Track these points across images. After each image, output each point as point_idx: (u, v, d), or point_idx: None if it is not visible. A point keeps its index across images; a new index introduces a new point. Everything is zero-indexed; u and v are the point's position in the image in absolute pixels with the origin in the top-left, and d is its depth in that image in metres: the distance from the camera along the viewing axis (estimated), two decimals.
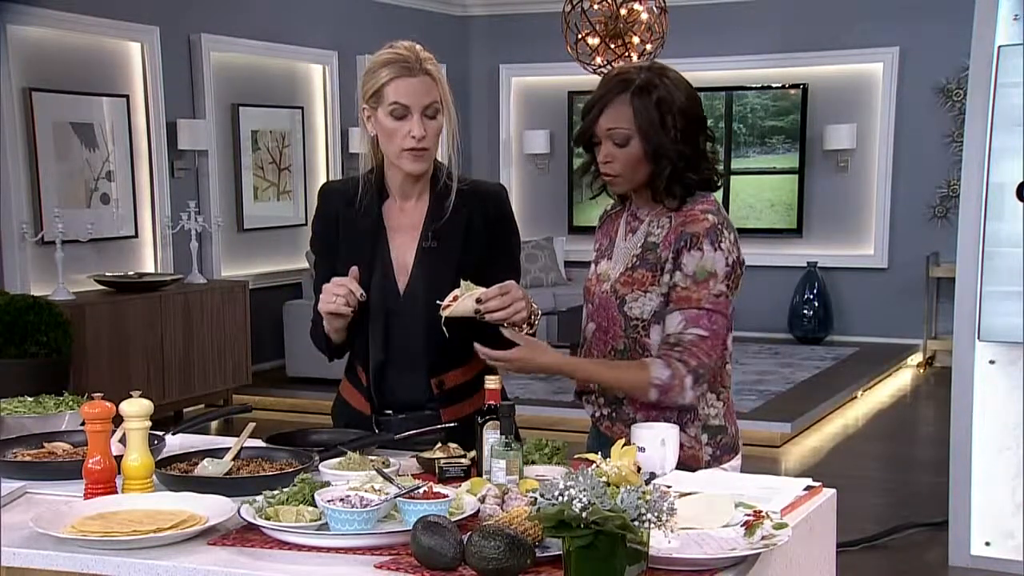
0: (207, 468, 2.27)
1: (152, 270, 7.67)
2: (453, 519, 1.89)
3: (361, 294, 2.50)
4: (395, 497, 1.97)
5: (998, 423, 4.62)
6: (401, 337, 2.61)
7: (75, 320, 6.40)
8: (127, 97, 7.54)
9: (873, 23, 9.44)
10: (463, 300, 2.40)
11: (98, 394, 2.21)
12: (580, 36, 7.87)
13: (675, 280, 2.45)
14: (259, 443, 2.44)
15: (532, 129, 10.68)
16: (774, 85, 9.89)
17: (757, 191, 9.98)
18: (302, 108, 9.03)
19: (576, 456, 2.32)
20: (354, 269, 2.52)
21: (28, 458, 2.41)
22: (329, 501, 1.95)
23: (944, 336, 8.87)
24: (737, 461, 2.61)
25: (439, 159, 2.65)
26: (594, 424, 2.66)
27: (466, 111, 10.43)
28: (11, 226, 6.76)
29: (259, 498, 2.02)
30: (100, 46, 7.38)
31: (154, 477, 2.20)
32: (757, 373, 8.40)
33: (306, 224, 9.03)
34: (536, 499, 1.70)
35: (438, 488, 2.03)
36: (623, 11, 7.77)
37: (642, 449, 2.22)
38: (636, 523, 1.67)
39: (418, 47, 2.56)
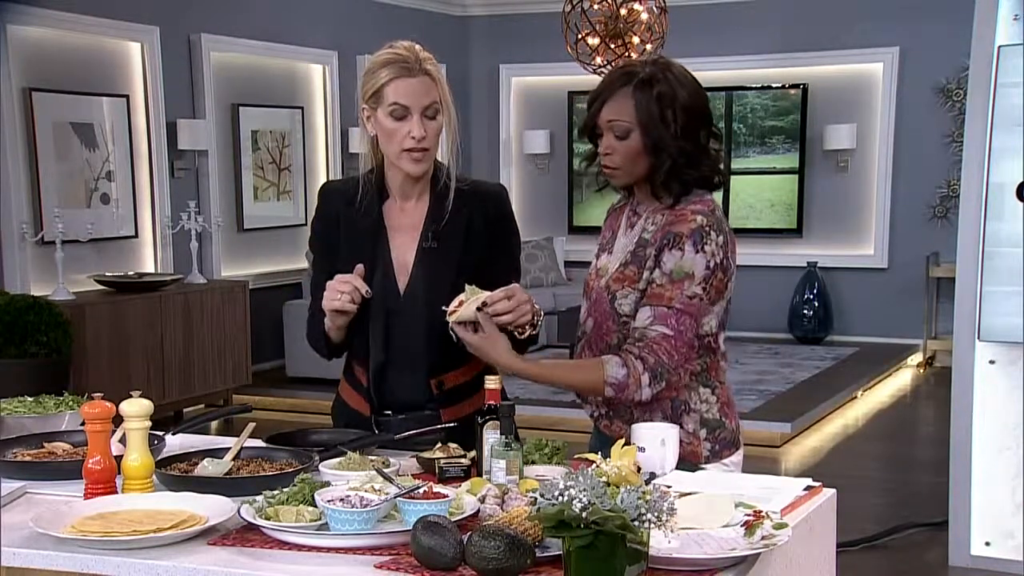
0: (207, 468, 2.27)
1: (152, 270, 7.67)
2: (453, 519, 1.89)
3: (367, 291, 2.50)
4: (395, 497, 1.97)
5: (998, 423, 4.62)
6: (401, 337, 2.61)
7: (75, 320, 6.40)
8: (127, 97, 7.54)
9: (873, 23, 9.44)
10: (469, 304, 2.40)
11: (98, 394, 2.21)
12: (580, 36, 7.87)
13: (653, 276, 2.46)
14: (259, 443, 2.44)
15: (532, 129, 10.68)
16: (774, 85, 9.89)
17: (757, 191, 9.98)
18: (302, 108, 9.03)
19: (576, 456, 2.32)
20: (359, 267, 2.52)
21: (28, 458, 2.41)
22: (329, 501, 1.95)
23: (944, 336, 8.87)
24: (738, 456, 2.60)
25: (439, 159, 2.65)
26: (595, 424, 2.66)
27: (466, 111, 10.43)
28: (11, 226, 6.76)
29: (259, 498, 2.02)
30: (100, 46, 7.38)
31: (154, 477, 2.20)
32: (757, 373, 8.40)
33: (306, 224, 9.02)
34: (536, 499, 1.70)
35: (438, 488, 2.03)
36: (623, 11, 7.77)
37: (642, 449, 2.23)
38: (636, 523, 1.67)
39: (418, 47, 2.56)
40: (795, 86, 9.81)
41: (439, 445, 2.43)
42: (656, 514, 1.69)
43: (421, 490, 1.99)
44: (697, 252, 2.43)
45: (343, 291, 2.48)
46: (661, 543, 1.79)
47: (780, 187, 9.94)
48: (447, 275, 2.56)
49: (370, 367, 2.64)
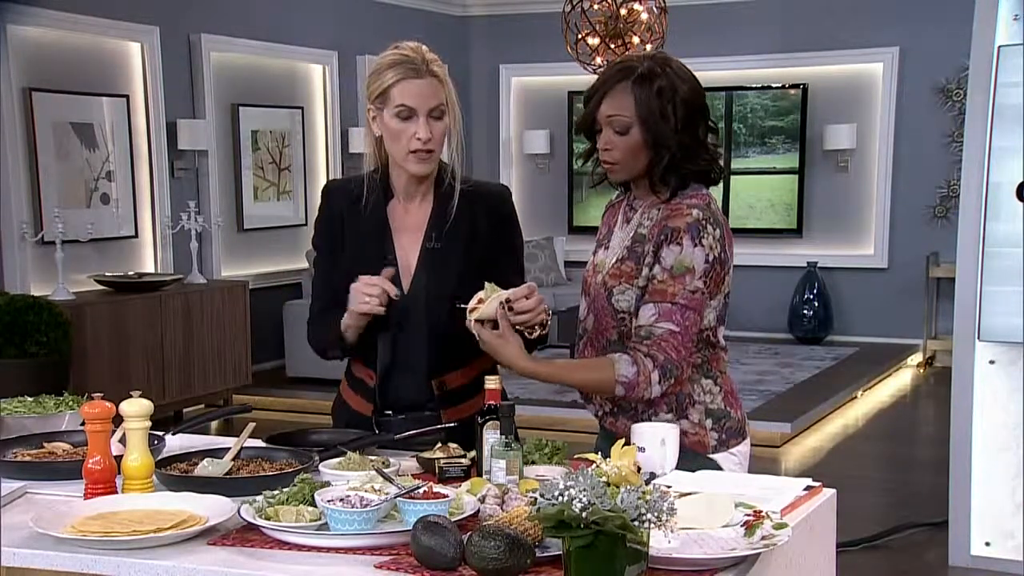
0: (207, 468, 2.27)
1: (152, 270, 7.67)
2: (453, 519, 1.89)
3: (396, 293, 2.49)
4: (395, 497, 1.97)
5: (998, 423, 4.62)
6: (404, 338, 2.61)
7: (75, 320, 6.40)
8: (127, 97, 7.54)
9: (873, 23, 9.44)
10: (491, 301, 2.39)
11: (98, 394, 2.21)
12: (580, 36, 7.87)
13: (653, 273, 2.45)
14: (259, 443, 2.44)
15: (532, 129, 10.68)
16: (774, 85, 9.89)
17: (757, 191, 9.97)
18: (302, 108, 9.03)
19: (576, 456, 2.32)
20: (388, 269, 2.52)
21: (28, 458, 2.41)
22: (329, 501, 1.95)
23: (944, 336, 8.87)
24: (746, 446, 2.59)
25: (444, 160, 2.65)
26: (600, 422, 2.65)
27: (466, 111, 10.31)
28: (11, 226, 6.76)
29: (259, 498, 2.02)
30: (100, 46, 7.38)
31: (154, 477, 2.20)
32: (757, 373, 8.40)
33: (306, 224, 9.04)
34: (536, 499, 1.70)
35: (438, 488, 2.03)
36: (623, 11, 7.78)
37: (642, 449, 2.22)
38: (636, 523, 1.67)
39: (424, 48, 2.55)
40: (795, 86, 9.81)
41: (439, 445, 2.43)
42: (656, 514, 1.69)
43: (421, 490, 1.99)
44: (696, 246, 2.43)
45: (372, 294, 2.47)
46: (661, 543, 1.79)
47: (780, 187, 9.93)
48: (450, 276, 2.56)
49: (378, 368, 2.63)
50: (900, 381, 8.93)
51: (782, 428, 6.94)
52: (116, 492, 2.16)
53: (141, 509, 2.05)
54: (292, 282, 8.69)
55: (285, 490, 2.03)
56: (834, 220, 9.85)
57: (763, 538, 1.88)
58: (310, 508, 1.97)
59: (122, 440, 2.25)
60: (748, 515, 1.96)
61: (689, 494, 2.04)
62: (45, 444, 2.49)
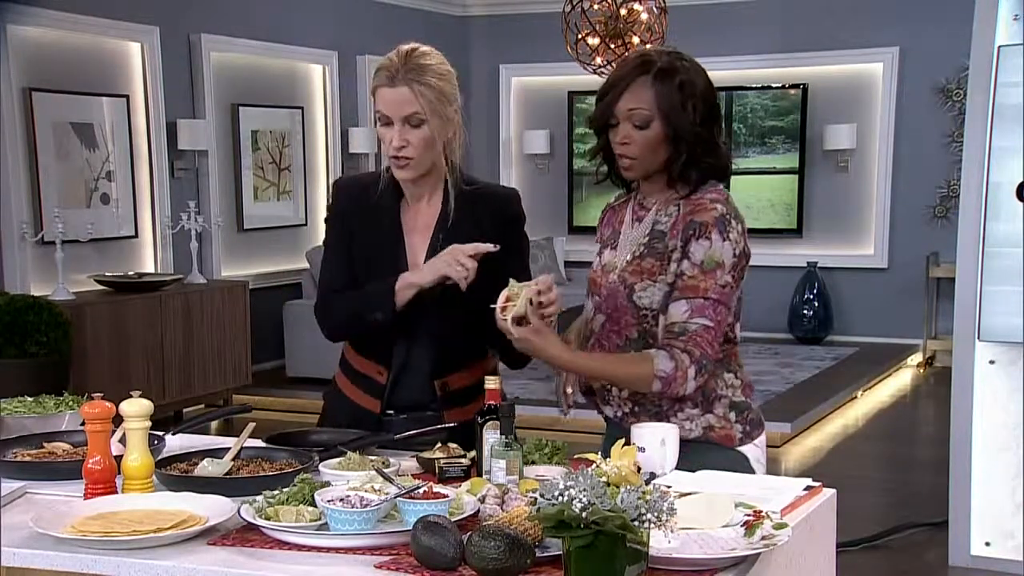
0: (207, 468, 2.27)
1: (152, 270, 7.67)
2: (453, 519, 1.89)
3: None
4: (395, 497, 1.97)
5: (998, 423, 4.62)
6: (411, 338, 2.62)
7: (75, 320, 6.40)
8: (127, 97, 7.54)
9: (873, 23, 9.44)
10: (523, 299, 2.35)
11: (98, 394, 2.21)
12: (580, 36, 7.87)
13: (682, 268, 2.43)
14: (259, 443, 2.44)
15: (532, 129, 10.68)
16: (774, 85, 9.89)
17: (757, 191, 9.97)
18: (302, 108, 9.03)
19: (576, 456, 2.32)
20: (481, 245, 2.51)
21: (28, 458, 2.41)
22: (329, 501, 1.95)
23: (944, 336, 8.87)
24: (763, 437, 2.60)
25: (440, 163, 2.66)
26: (614, 425, 2.60)
27: (466, 111, 10.37)
28: (11, 226, 6.76)
29: (259, 498, 2.02)
30: (100, 46, 7.38)
31: (154, 477, 2.20)
32: (757, 373, 8.39)
33: (306, 224, 9.05)
34: (536, 499, 1.70)
35: (438, 488, 2.03)
36: (623, 11, 7.78)
37: (642, 449, 2.22)
38: (636, 523, 1.67)
39: (416, 53, 2.55)
40: (795, 86, 9.81)
41: (439, 445, 2.43)
42: (656, 514, 1.69)
43: (421, 490, 1.99)
44: (724, 240, 2.42)
45: (467, 264, 2.48)
46: (661, 543, 1.79)
47: (780, 187, 9.94)
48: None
49: (392, 367, 2.63)
50: (900, 381, 8.93)
51: (782, 428, 6.94)
52: (116, 492, 2.16)
53: (141, 509, 2.05)
54: (292, 282, 8.69)
55: (285, 490, 2.03)
56: (834, 220, 9.85)
57: (763, 538, 1.88)
58: (310, 508, 1.97)
59: (122, 440, 2.25)
60: (748, 515, 1.96)
61: (689, 494, 2.04)
62: (45, 444, 2.49)
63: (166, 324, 7.11)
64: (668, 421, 2.47)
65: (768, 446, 7.13)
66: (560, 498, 1.66)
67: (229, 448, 2.36)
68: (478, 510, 2.00)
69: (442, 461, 2.29)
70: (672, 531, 1.74)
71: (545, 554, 1.81)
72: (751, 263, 2.54)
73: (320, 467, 2.27)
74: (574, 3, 7.83)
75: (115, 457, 2.18)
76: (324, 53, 9.10)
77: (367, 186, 2.66)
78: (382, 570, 1.83)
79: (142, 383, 6.53)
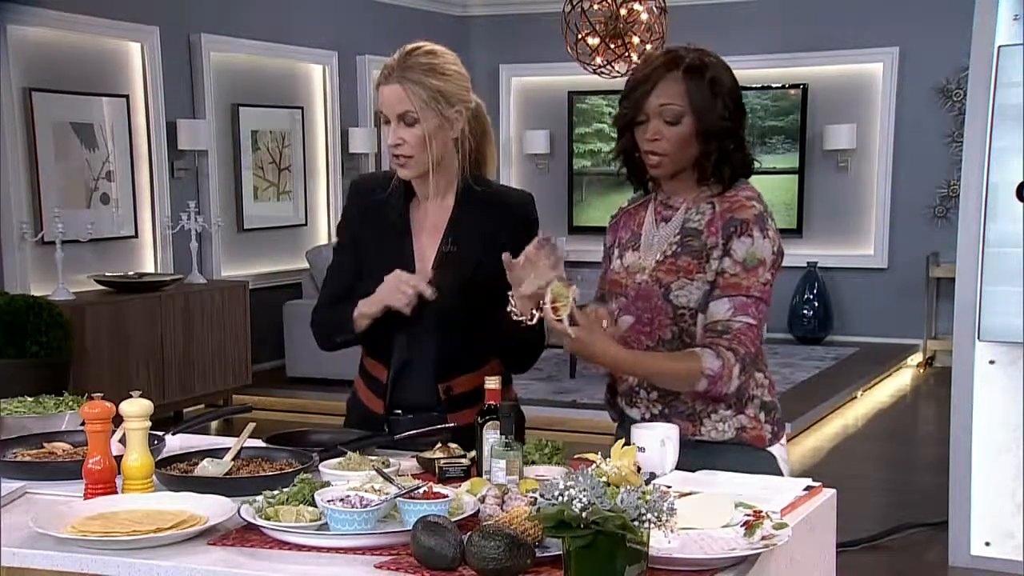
0: (207, 468, 2.27)
1: (152, 270, 7.67)
2: (453, 519, 1.89)
3: (431, 292, 2.51)
4: (395, 497, 1.97)
5: (998, 423, 4.62)
6: (416, 340, 2.62)
7: (75, 320, 6.40)
8: (127, 97, 7.54)
9: (873, 23, 9.44)
10: (570, 298, 2.32)
11: (98, 394, 2.21)
12: (580, 36, 7.87)
13: (723, 266, 2.41)
14: (259, 443, 2.44)
15: (532, 129, 10.68)
16: (774, 85, 9.89)
17: None
18: (302, 108, 9.03)
19: (576, 456, 2.32)
20: (428, 272, 2.54)
21: (28, 458, 2.41)
22: (329, 501, 1.95)
23: (944, 336, 8.87)
24: (785, 437, 2.60)
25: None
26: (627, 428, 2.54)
27: None
28: (11, 226, 6.76)
29: (259, 498, 2.02)
30: (100, 46, 7.38)
31: (154, 477, 2.20)
32: None
33: (306, 224, 9.06)
34: (536, 499, 1.70)
35: (438, 488, 2.03)
36: (623, 11, 7.77)
37: (642, 449, 2.22)
38: (636, 523, 1.67)
39: (416, 52, 2.55)
40: (795, 86, 9.81)
41: (439, 445, 2.43)
42: (656, 514, 1.69)
43: (421, 490, 1.99)
44: (764, 238, 2.42)
45: (407, 292, 2.49)
46: (661, 543, 1.79)
47: (780, 187, 9.93)
48: (463, 279, 2.57)
49: (391, 367, 2.64)
50: (900, 381, 8.93)
51: None
52: (116, 492, 2.16)
53: (141, 509, 2.05)
54: (292, 282, 8.69)
55: (285, 490, 2.03)
56: (834, 220, 9.85)
57: (763, 538, 1.88)
58: (310, 508, 1.97)
59: (122, 440, 2.25)
60: (748, 515, 1.96)
61: (689, 494, 2.04)
62: (45, 444, 2.49)
63: (166, 324, 7.11)
64: (701, 423, 2.46)
65: None
66: (560, 498, 1.66)
67: (229, 448, 2.36)
68: (478, 510, 2.00)
69: (442, 461, 2.29)
70: (672, 531, 1.74)
71: (545, 554, 1.81)
72: None
73: (320, 467, 2.27)
74: (574, 3, 7.83)
75: (115, 457, 2.18)
76: (324, 53, 9.10)
77: (381, 184, 2.67)
78: (382, 570, 1.83)
79: (142, 383, 6.52)
